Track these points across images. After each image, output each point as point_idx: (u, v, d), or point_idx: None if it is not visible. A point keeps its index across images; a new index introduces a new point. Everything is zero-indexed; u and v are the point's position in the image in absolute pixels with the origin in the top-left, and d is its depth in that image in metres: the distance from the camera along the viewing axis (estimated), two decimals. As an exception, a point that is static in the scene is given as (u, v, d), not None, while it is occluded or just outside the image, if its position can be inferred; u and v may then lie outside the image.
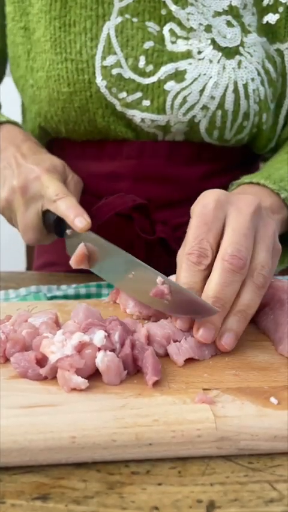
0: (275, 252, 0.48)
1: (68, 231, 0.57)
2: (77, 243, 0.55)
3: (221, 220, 0.46)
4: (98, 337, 0.40)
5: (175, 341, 0.44)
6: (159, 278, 0.45)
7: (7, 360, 0.42)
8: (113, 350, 0.40)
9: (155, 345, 0.43)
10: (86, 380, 0.38)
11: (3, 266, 0.81)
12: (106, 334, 0.41)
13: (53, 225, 0.58)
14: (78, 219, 0.54)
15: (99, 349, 0.39)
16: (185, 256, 0.45)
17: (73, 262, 0.54)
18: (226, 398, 0.37)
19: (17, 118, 0.80)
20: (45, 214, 0.59)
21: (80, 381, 0.37)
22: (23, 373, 0.40)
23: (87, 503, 0.30)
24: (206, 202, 0.47)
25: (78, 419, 0.34)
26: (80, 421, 0.34)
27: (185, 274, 0.45)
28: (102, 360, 0.38)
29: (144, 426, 0.34)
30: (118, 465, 0.33)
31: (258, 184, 0.57)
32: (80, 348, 0.39)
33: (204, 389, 0.38)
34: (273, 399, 0.37)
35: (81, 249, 0.54)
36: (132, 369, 0.40)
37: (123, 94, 0.62)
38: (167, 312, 0.46)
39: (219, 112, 0.63)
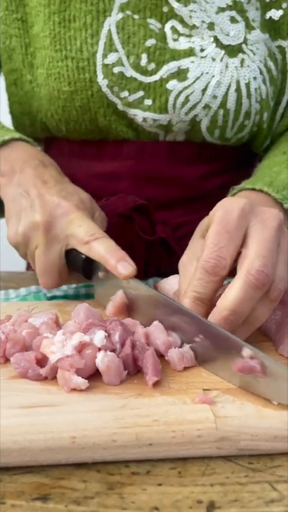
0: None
1: (100, 274, 0.51)
2: (109, 287, 0.50)
3: (244, 231, 0.44)
4: (98, 337, 0.40)
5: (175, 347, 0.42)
6: (246, 350, 0.38)
7: (7, 360, 0.42)
8: (113, 350, 0.40)
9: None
10: (86, 381, 0.38)
11: (4, 266, 0.81)
12: (106, 334, 0.40)
13: (82, 267, 0.52)
14: (122, 265, 0.48)
15: (99, 349, 0.39)
16: (200, 262, 0.43)
17: (110, 312, 0.50)
18: (226, 398, 0.37)
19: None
20: (68, 253, 0.53)
21: (80, 382, 0.37)
22: (23, 373, 0.40)
23: (87, 504, 0.30)
24: (230, 209, 0.45)
25: (79, 419, 0.34)
26: (80, 421, 0.34)
27: (196, 283, 0.43)
28: (103, 360, 0.38)
29: (144, 426, 0.34)
30: (118, 465, 0.33)
31: (261, 191, 0.56)
32: (80, 348, 0.39)
33: (204, 389, 0.38)
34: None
35: (120, 297, 0.49)
36: (133, 370, 0.40)
37: (125, 93, 0.61)
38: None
39: (221, 111, 0.63)
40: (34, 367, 0.40)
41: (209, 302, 0.44)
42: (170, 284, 0.54)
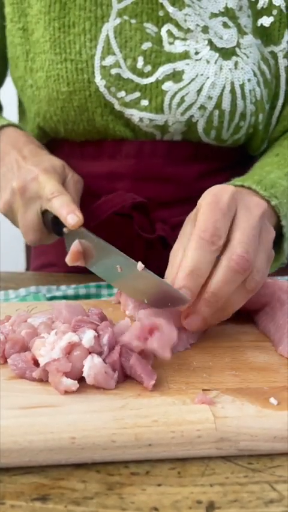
0: (269, 259, 0.48)
1: (65, 229, 0.56)
2: (73, 240, 0.55)
3: (233, 213, 0.45)
4: (88, 337, 0.39)
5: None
6: (140, 264, 0.45)
7: (7, 360, 0.42)
8: (100, 353, 0.39)
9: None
10: (76, 382, 0.37)
11: (3, 266, 0.81)
12: (96, 334, 0.40)
13: (51, 224, 0.58)
14: (70, 216, 0.54)
15: (89, 352, 0.39)
16: (196, 233, 0.43)
17: (68, 260, 0.54)
18: (226, 399, 0.37)
19: (15, 118, 0.80)
20: (44, 214, 0.59)
21: (70, 383, 0.37)
22: (21, 374, 0.40)
23: (87, 504, 0.30)
24: (221, 193, 0.46)
25: (78, 419, 0.34)
26: (80, 422, 0.34)
27: (194, 253, 0.43)
28: (89, 374, 0.37)
29: (143, 426, 0.34)
30: (118, 466, 0.33)
31: (249, 188, 0.57)
32: (70, 349, 0.39)
33: (203, 390, 0.38)
34: (272, 400, 0.37)
35: (75, 246, 0.54)
36: (121, 375, 0.39)
37: (122, 94, 0.63)
38: (148, 303, 0.46)
39: (217, 112, 0.64)
40: (32, 368, 0.40)
41: (206, 274, 0.43)
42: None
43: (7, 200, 0.60)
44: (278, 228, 0.58)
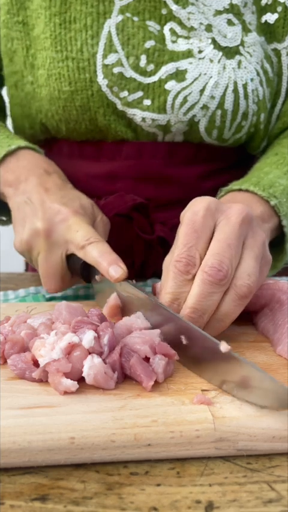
0: (264, 262, 0.47)
1: (97, 277, 0.53)
2: (107, 289, 0.52)
3: (211, 229, 0.46)
4: (88, 338, 0.39)
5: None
6: (224, 345, 0.38)
7: (6, 361, 0.42)
8: (101, 353, 0.39)
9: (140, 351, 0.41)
10: (75, 382, 0.37)
11: (3, 267, 0.82)
12: (96, 335, 0.40)
13: (80, 271, 0.54)
14: (113, 268, 0.49)
15: (89, 352, 0.39)
16: (172, 263, 0.45)
17: (107, 314, 0.50)
18: (224, 399, 0.37)
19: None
20: (70, 258, 0.55)
21: (70, 384, 0.37)
22: (21, 374, 0.40)
23: (86, 504, 0.30)
24: (196, 209, 0.46)
25: (77, 419, 0.34)
26: (79, 422, 0.34)
27: (171, 284, 0.45)
28: (89, 373, 0.38)
29: (143, 427, 0.34)
30: (117, 466, 0.33)
31: (247, 191, 0.57)
32: (70, 349, 0.39)
33: (202, 390, 0.38)
34: (271, 400, 0.37)
35: (114, 300, 0.50)
36: (121, 376, 0.40)
37: (125, 93, 0.62)
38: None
39: (219, 112, 0.63)
40: (31, 368, 0.40)
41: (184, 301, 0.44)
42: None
43: (27, 240, 0.55)
44: (280, 228, 0.58)
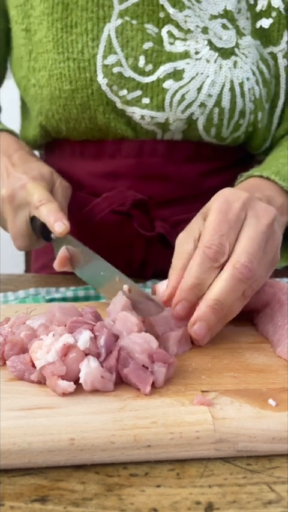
0: (272, 265, 0.48)
1: (52, 235, 0.58)
2: (61, 246, 0.56)
3: (242, 222, 0.46)
4: (84, 339, 0.39)
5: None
6: (125, 286, 0.47)
7: (6, 362, 0.42)
8: (97, 354, 0.39)
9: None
10: (72, 383, 0.37)
11: (2, 268, 0.82)
12: (92, 336, 0.40)
13: (39, 230, 0.60)
14: (57, 224, 0.55)
15: (85, 354, 0.39)
16: (201, 248, 0.45)
17: (55, 265, 0.56)
18: (224, 400, 0.37)
19: (16, 120, 0.80)
20: (33, 220, 0.61)
21: (66, 385, 0.37)
22: (20, 376, 0.40)
23: (86, 505, 0.30)
24: (233, 199, 0.47)
25: (77, 421, 0.34)
26: (79, 423, 0.34)
27: (197, 269, 0.45)
28: (85, 380, 0.37)
29: (142, 428, 0.34)
30: (117, 467, 0.33)
31: (268, 179, 0.57)
32: (66, 351, 0.39)
33: (202, 391, 0.38)
34: (271, 401, 0.37)
35: (63, 252, 0.56)
36: (119, 380, 0.39)
37: (124, 92, 0.63)
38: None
39: (217, 110, 0.64)
40: (30, 369, 0.40)
41: (205, 290, 0.45)
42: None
43: None
44: None
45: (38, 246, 0.65)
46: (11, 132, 0.71)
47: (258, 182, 0.58)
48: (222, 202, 0.47)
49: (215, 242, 0.45)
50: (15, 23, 0.68)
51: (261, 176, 0.58)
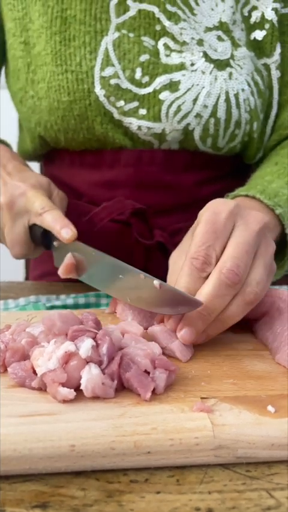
0: (270, 271, 0.49)
1: (55, 243, 0.58)
2: (64, 254, 0.56)
3: (229, 231, 0.47)
4: (85, 347, 0.39)
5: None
6: (156, 281, 0.46)
7: (7, 369, 0.42)
8: (99, 362, 0.39)
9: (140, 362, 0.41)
10: (72, 390, 0.37)
11: (3, 276, 0.82)
12: (94, 344, 0.40)
13: (40, 238, 0.60)
14: (64, 230, 0.55)
15: (87, 362, 0.39)
16: (188, 259, 0.46)
17: (61, 272, 0.56)
18: (224, 407, 0.37)
19: (12, 131, 0.80)
20: (32, 228, 0.60)
21: (66, 392, 0.37)
22: (21, 383, 0.40)
23: (87, 511, 0.30)
24: (219, 210, 0.47)
25: (78, 427, 0.34)
26: (79, 430, 0.34)
27: (186, 279, 0.46)
28: (86, 387, 0.37)
29: (142, 434, 0.34)
30: (117, 473, 0.34)
31: (253, 197, 0.58)
32: (67, 358, 0.39)
33: (202, 398, 0.39)
34: (270, 408, 0.37)
35: (68, 259, 0.55)
36: (119, 386, 0.39)
37: (121, 103, 0.64)
38: (154, 310, 0.48)
39: (212, 120, 0.65)
40: (31, 376, 0.40)
41: None
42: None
43: None
44: (283, 236, 0.59)
45: (35, 255, 0.65)
46: (2, 142, 0.71)
47: (243, 201, 0.58)
48: (210, 214, 0.47)
49: (201, 253, 0.46)
50: (13, 36, 0.68)
51: (247, 196, 0.58)
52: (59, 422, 0.35)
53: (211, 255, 0.46)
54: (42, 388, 0.39)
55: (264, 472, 0.34)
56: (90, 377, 0.38)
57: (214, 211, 0.48)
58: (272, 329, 0.49)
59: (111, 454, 0.33)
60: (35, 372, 0.40)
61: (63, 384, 0.38)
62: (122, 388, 0.40)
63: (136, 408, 0.37)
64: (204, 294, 0.44)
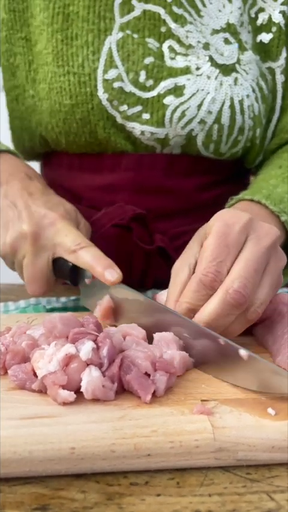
0: (277, 286, 0.48)
1: (87, 280, 0.53)
2: (95, 292, 0.52)
3: (242, 245, 0.46)
4: (86, 349, 0.39)
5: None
6: (242, 351, 0.40)
7: (7, 371, 0.42)
8: (100, 364, 0.39)
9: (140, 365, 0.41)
10: (73, 393, 0.37)
11: (3, 278, 0.82)
12: (95, 346, 0.40)
13: (69, 274, 0.54)
14: (108, 272, 0.50)
15: (87, 364, 0.39)
16: (198, 275, 0.45)
17: (99, 316, 0.50)
18: (224, 409, 0.37)
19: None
20: (56, 262, 0.55)
21: (67, 395, 0.37)
22: (21, 385, 0.40)
23: (86, 514, 0.30)
24: (232, 222, 0.46)
25: (78, 430, 0.34)
26: (79, 432, 0.34)
27: (191, 295, 0.45)
28: (87, 389, 0.37)
29: (142, 437, 0.34)
30: (117, 476, 0.34)
31: (259, 203, 0.57)
32: (68, 361, 0.39)
33: (202, 400, 0.39)
34: (270, 410, 0.37)
35: (107, 302, 0.50)
36: (120, 388, 0.39)
37: (124, 107, 0.63)
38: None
39: (216, 126, 0.65)
40: (32, 379, 0.40)
41: None
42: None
43: (11, 243, 0.55)
44: (287, 243, 0.58)
45: (53, 291, 0.59)
46: (13, 153, 0.65)
47: (248, 206, 0.57)
48: (222, 225, 0.46)
49: (212, 270, 0.44)
50: (10, 29, 0.66)
51: (251, 200, 0.58)
52: (59, 425, 0.35)
53: (222, 271, 0.44)
54: (42, 390, 0.39)
55: (265, 474, 0.34)
56: (90, 379, 0.38)
57: (226, 222, 0.46)
58: (272, 331, 0.49)
59: (111, 456, 0.33)
60: (35, 374, 0.40)
61: (64, 387, 0.38)
62: (122, 390, 0.40)
63: (136, 410, 0.37)
64: (208, 313, 0.44)
